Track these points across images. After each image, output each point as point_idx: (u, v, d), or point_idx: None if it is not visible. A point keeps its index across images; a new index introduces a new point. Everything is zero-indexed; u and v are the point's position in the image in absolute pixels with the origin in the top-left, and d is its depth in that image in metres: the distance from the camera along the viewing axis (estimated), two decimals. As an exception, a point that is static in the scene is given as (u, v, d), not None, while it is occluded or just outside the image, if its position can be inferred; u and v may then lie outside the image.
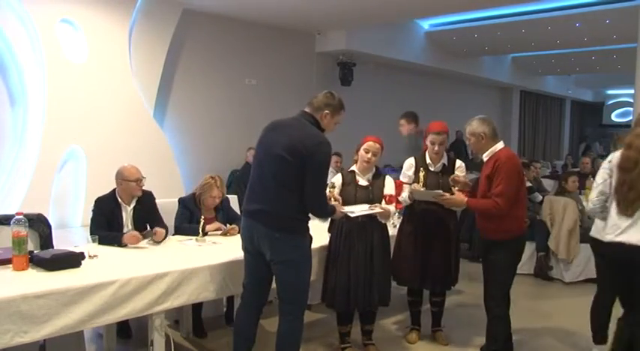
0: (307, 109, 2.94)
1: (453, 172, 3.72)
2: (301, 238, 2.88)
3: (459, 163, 3.80)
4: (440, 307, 3.90)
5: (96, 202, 3.65)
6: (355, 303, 3.42)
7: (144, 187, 3.72)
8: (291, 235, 2.83)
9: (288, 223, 2.80)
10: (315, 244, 3.61)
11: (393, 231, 3.85)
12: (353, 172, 3.59)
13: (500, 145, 3.38)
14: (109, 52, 7.14)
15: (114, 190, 3.69)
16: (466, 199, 3.40)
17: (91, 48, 6.98)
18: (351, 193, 3.50)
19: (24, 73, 6.56)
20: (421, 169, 3.67)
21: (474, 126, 3.38)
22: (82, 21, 6.90)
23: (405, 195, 3.72)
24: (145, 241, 3.49)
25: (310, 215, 2.93)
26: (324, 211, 2.99)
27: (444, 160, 3.73)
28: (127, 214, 3.66)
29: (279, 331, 2.98)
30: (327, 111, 2.92)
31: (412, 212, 3.75)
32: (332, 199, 3.27)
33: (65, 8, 6.75)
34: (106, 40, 7.11)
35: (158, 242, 3.49)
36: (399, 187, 3.80)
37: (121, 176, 3.64)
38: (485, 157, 3.39)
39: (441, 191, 3.57)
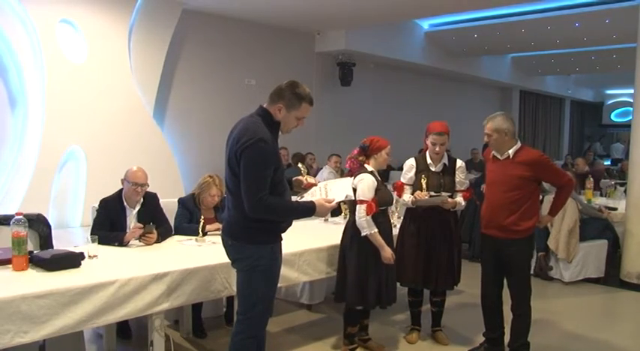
0: (266, 101, 2.62)
1: (454, 172, 3.72)
2: (253, 246, 2.56)
3: (459, 163, 3.79)
4: (440, 307, 3.90)
5: (101, 202, 3.64)
6: (386, 301, 3.49)
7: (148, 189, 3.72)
8: (240, 243, 2.58)
9: (239, 231, 2.57)
10: (315, 244, 3.65)
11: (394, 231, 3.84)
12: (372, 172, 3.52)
13: (519, 143, 3.41)
14: (109, 52, 7.15)
15: (120, 190, 3.69)
16: (550, 216, 3.63)
17: (90, 48, 6.98)
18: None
19: (24, 74, 6.56)
20: (422, 176, 3.66)
21: (499, 122, 3.36)
22: (81, 21, 6.90)
23: (406, 198, 3.72)
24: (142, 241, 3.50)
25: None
26: (267, 210, 2.48)
27: (445, 160, 3.72)
28: (132, 216, 3.66)
29: None
30: (280, 104, 2.54)
31: (414, 213, 3.75)
32: (306, 180, 2.84)
33: (65, 8, 6.75)
34: (105, 41, 7.12)
35: (149, 244, 3.50)
36: (399, 188, 3.80)
37: (125, 176, 3.64)
38: (510, 153, 3.37)
39: (445, 197, 3.57)
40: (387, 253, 3.35)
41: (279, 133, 2.63)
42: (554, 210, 3.53)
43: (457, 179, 3.72)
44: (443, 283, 3.73)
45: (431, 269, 3.68)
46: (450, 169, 3.72)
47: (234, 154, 2.49)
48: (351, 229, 3.44)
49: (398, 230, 3.86)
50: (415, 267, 3.69)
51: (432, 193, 3.61)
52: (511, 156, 3.36)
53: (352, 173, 3.50)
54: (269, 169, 2.47)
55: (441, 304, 3.89)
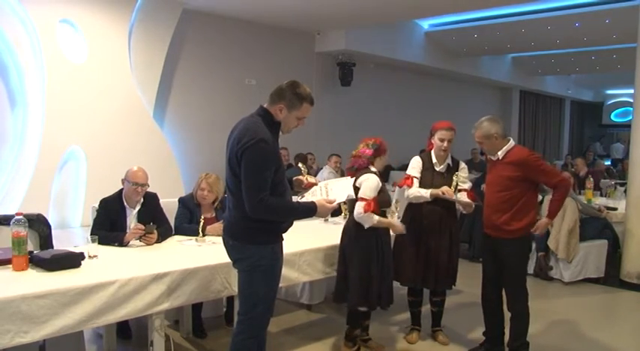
0: (266, 101, 2.62)
1: (457, 173, 3.72)
2: (255, 246, 2.56)
3: (462, 164, 3.79)
4: (440, 307, 3.90)
5: (101, 202, 3.65)
6: (386, 301, 3.50)
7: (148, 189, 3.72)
8: (241, 243, 2.58)
9: (240, 231, 2.57)
10: (315, 244, 3.66)
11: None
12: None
13: (512, 142, 3.41)
14: (109, 52, 7.15)
15: (120, 190, 3.69)
16: (549, 220, 3.49)
17: (90, 48, 6.98)
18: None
19: (24, 74, 6.56)
20: (456, 174, 3.64)
21: (487, 128, 3.36)
22: (81, 21, 6.90)
23: (423, 192, 3.63)
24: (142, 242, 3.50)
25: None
26: (268, 211, 2.48)
27: (449, 161, 3.73)
28: (132, 216, 3.66)
29: None
30: (281, 105, 2.54)
31: (414, 212, 3.75)
32: (306, 180, 2.86)
33: (65, 8, 6.75)
34: (105, 40, 7.12)
35: (149, 244, 3.50)
36: (408, 179, 3.74)
37: (125, 175, 3.64)
38: (500, 155, 3.38)
39: (471, 202, 3.55)
40: (398, 227, 3.46)
41: (280, 133, 2.63)
42: (551, 212, 3.46)
43: (460, 179, 3.71)
44: (442, 283, 3.73)
45: (430, 269, 3.68)
46: (453, 170, 3.72)
47: (235, 155, 2.49)
48: (353, 229, 3.42)
49: None
50: (414, 266, 3.69)
51: (459, 195, 3.58)
52: (500, 157, 3.38)
53: (355, 172, 3.49)
54: (270, 169, 2.47)
55: (440, 304, 3.89)
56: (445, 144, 3.63)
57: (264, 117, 2.57)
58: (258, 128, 2.50)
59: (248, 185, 2.45)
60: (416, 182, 3.70)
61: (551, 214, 3.47)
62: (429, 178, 3.68)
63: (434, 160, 3.71)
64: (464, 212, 3.75)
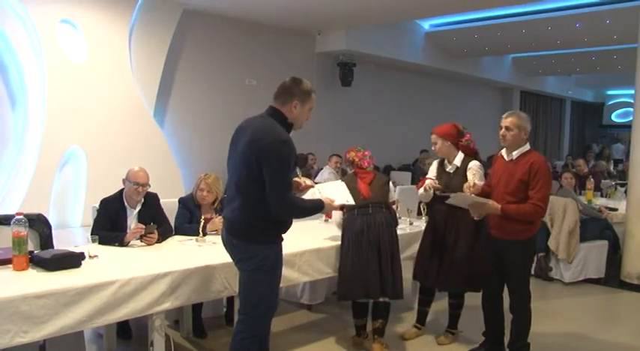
0: (274, 103, 2.67)
1: (465, 174, 3.71)
2: (259, 246, 2.59)
3: (471, 164, 3.74)
4: (455, 310, 3.91)
5: (101, 202, 3.65)
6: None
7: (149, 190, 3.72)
8: (246, 243, 2.60)
9: (245, 231, 2.60)
10: (315, 244, 3.66)
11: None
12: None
13: (528, 145, 3.40)
14: (109, 52, 7.14)
15: (121, 190, 3.69)
16: (500, 206, 3.28)
17: (91, 48, 6.98)
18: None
19: (24, 73, 6.56)
20: (473, 174, 3.60)
21: (524, 119, 3.36)
22: (82, 21, 6.90)
23: (422, 188, 3.74)
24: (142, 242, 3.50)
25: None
26: (294, 210, 2.63)
27: (457, 162, 3.75)
28: (132, 216, 3.66)
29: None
30: (296, 101, 2.62)
31: (434, 213, 3.83)
32: (304, 182, 2.92)
33: (65, 8, 6.74)
34: (106, 40, 7.11)
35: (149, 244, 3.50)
36: (421, 181, 3.90)
37: (126, 175, 3.64)
38: (514, 155, 3.36)
39: (482, 199, 3.46)
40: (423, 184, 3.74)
41: (292, 131, 2.70)
42: (508, 208, 3.26)
43: (475, 178, 3.62)
44: (455, 284, 3.73)
45: (443, 269, 3.71)
46: (461, 170, 3.72)
47: (253, 155, 2.51)
48: (393, 222, 3.65)
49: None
50: (428, 263, 3.76)
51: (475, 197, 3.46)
52: (514, 158, 3.37)
53: (376, 170, 3.75)
54: (292, 169, 2.58)
55: (456, 307, 3.91)
56: (433, 148, 3.82)
57: (277, 117, 2.63)
58: (278, 129, 2.57)
59: (275, 186, 2.50)
60: (429, 182, 3.76)
61: (505, 209, 3.27)
62: (441, 179, 3.78)
63: (445, 161, 3.83)
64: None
